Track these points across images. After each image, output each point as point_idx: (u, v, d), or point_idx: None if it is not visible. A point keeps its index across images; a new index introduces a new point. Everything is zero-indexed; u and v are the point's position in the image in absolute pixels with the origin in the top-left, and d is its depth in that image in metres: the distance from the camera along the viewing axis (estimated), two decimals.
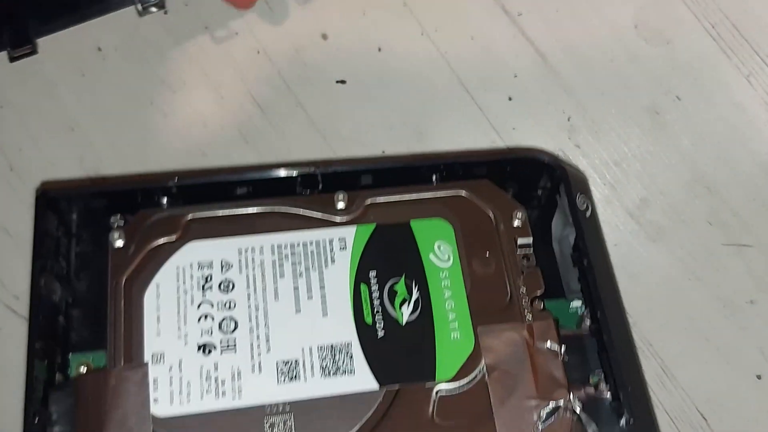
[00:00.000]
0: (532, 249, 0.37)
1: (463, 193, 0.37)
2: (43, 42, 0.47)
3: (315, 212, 0.37)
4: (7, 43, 0.46)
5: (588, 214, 0.37)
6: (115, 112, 0.46)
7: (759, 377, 0.41)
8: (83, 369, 0.34)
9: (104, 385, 0.32)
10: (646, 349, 0.42)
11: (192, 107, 0.42)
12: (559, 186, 0.38)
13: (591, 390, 0.34)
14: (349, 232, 0.36)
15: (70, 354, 0.35)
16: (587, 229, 0.37)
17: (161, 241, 0.36)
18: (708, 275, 0.43)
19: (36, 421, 0.32)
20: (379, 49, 0.45)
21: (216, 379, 0.33)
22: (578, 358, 0.35)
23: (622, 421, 0.33)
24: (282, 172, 0.37)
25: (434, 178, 0.38)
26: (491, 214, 0.37)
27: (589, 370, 0.35)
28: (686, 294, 0.43)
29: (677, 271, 0.43)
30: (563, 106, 0.43)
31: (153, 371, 0.33)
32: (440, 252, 0.36)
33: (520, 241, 0.36)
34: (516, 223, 0.37)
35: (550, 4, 0.46)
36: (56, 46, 0.48)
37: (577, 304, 0.37)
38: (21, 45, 0.46)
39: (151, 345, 0.33)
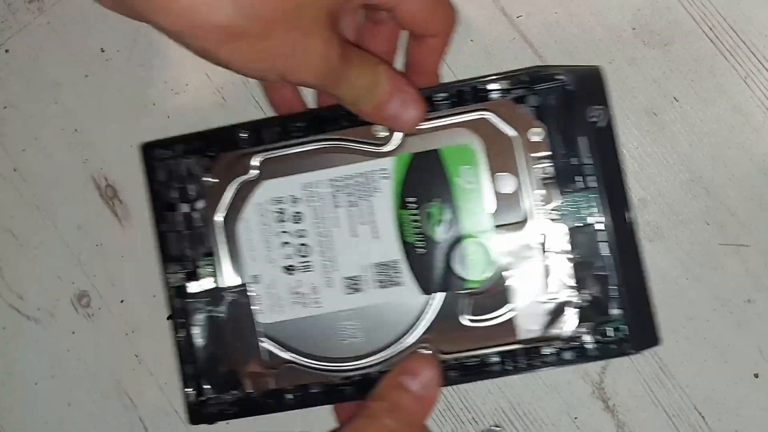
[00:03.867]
0: (552, 162, 0.41)
1: (486, 114, 0.42)
2: (46, 43, 0.49)
3: (360, 145, 0.43)
4: None
5: (603, 124, 0.41)
6: (118, 113, 0.48)
7: (756, 376, 0.44)
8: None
9: (221, 300, 0.44)
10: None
11: (195, 109, 0.44)
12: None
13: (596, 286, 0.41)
14: (390, 163, 0.43)
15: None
16: (596, 144, 0.40)
17: (243, 179, 0.44)
18: (706, 275, 0.44)
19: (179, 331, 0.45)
20: None
21: (300, 293, 0.44)
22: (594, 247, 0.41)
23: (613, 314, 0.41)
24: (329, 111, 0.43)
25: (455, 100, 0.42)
26: (512, 133, 0.42)
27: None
28: (684, 293, 0.45)
29: (675, 270, 0.45)
30: None
31: (254, 289, 0.44)
32: (466, 175, 0.42)
33: (540, 155, 0.41)
34: (535, 138, 0.41)
35: (549, 7, 0.45)
36: (60, 48, 0.49)
37: None
38: None
39: (249, 269, 0.44)
